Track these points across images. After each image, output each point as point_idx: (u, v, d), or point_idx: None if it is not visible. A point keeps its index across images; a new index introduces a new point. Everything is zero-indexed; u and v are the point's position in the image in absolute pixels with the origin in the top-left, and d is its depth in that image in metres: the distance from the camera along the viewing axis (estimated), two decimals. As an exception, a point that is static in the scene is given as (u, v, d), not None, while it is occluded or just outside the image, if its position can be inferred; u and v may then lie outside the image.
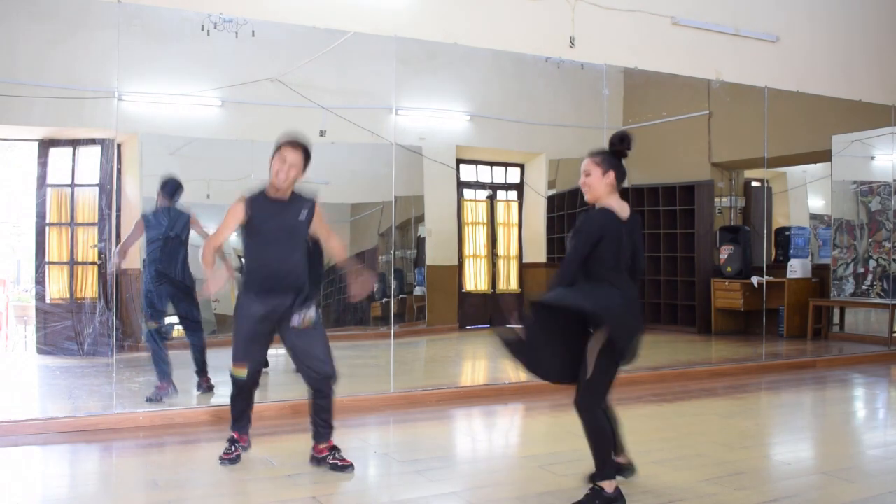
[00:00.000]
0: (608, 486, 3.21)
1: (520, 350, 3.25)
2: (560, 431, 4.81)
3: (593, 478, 3.26)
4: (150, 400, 4.99)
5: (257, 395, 5.23)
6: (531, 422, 5.33)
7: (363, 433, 4.03)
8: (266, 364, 4.79)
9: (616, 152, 3.34)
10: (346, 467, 3.69)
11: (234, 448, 3.80)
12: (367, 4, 6.61)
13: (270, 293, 3.61)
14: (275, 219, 3.61)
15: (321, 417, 3.72)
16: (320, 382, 3.67)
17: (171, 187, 5.32)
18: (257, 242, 3.63)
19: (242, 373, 3.67)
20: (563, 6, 7.41)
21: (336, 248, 3.95)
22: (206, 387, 5.41)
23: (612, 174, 3.30)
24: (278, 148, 3.61)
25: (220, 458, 3.75)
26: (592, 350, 3.19)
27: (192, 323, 5.36)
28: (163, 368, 5.13)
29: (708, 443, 4.30)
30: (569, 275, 3.19)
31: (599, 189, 3.29)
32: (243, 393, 3.76)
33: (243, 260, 3.83)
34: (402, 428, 4.83)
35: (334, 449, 3.75)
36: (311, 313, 3.68)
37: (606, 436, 3.24)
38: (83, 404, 4.93)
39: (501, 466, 4.15)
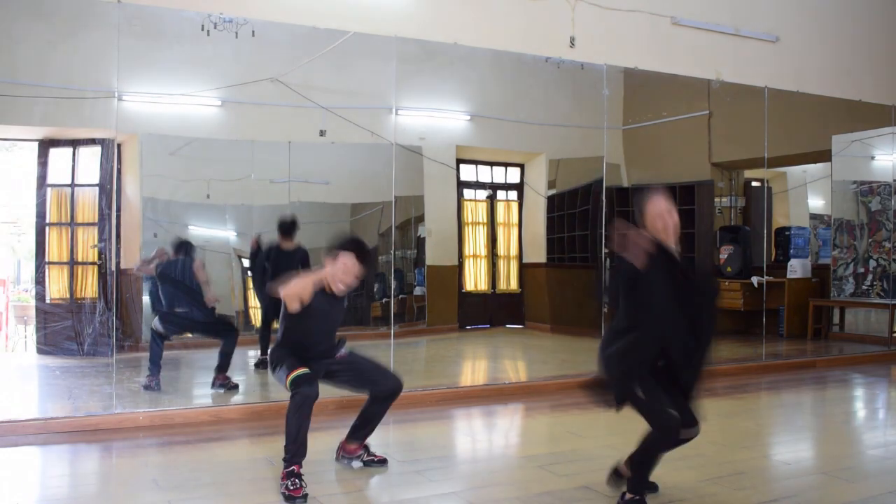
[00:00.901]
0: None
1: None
2: (560, 431, 4.81)
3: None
4: (146, 388, 5.24)
5: (256, 394, 5.25)
6: (531, 422, 5.33)
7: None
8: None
9: None
10: (384, 461, 3.84)
11: (300, 483, 3.37)
12: (367, 4, 6.61)
13: (305, 357, 3.60)
14: (326, 310, 3.59)
15: (374, 422, 3.79)
16: (393, 393, 3.74)
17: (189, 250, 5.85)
18: (304, 324, 3.56)
19: (304, 370, 3.46)
20: (563, 6, 7.41)
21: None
22: (219, 384, 5.50)
23: None
24: (350, 254, 3.51)
25: (292, 497, 3.32)
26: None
27: (225, 328, 5.73)
28: (155, 366, 5.35)
29: (708, 443, 4.30)
30: None
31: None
32: (308, 402, 3.41)
33: (281, 325, 3.68)
34: (402, 428, 4.83)
35: (366, 447, 3.86)
36: (343, 351, 3.73)
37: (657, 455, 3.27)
38: (83, 404, 4.93)
39: (501, 466, 4.15)
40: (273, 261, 6.09)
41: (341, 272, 3.50)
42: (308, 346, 3.60)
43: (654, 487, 3.47)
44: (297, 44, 6.29)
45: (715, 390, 6.00)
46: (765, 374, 6.75)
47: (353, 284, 3.56)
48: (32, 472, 3.88)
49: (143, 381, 5.34)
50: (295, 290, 3.41)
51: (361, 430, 3.80)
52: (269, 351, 3.71)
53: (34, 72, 5.80)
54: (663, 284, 3.15)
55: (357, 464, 3.81)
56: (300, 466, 3.41)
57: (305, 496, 3.32)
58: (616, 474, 3.45)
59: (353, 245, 3.54)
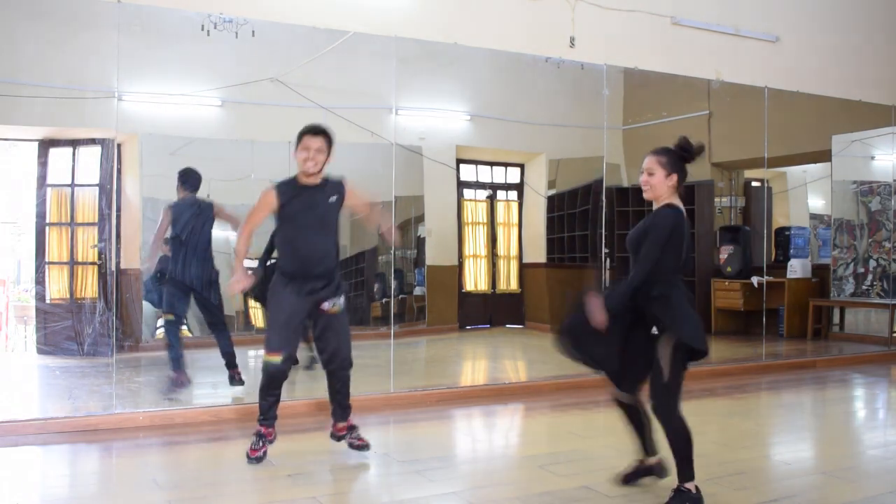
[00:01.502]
0: (692, 486, 3.20)
1: (572, 340, 3.36)
2: (560, 431, 4.81)
3: (679, 478, 3.22)
4: (167, 397, 5.11)
5: (257, 395, 5.22)
6: (531, 422, 5.33)
7: (363, 433, 4.03)
8: (295, 361, 4.81)
9: (682, 156, 3.30)
10: (363, 447, 3.92)
11: (261, 443, 3.80)
12: (367, 4, 6.61)
13: (303, 278, 3.70)
14: (306, 205, 3.69)
15: (339, 400, 3.91)
16: (337, 366, 3.83)
17: (194, 179, 5.53)
18: (289, 228, 3.72)
19: (276, 359, 3.69)
20: (563, 6, 7.41)
21: (374, 215, 4.19)
22: (238, 379, 5.49)
23: (675, 177, 3.27)
24: (300, 138, 3.72)
25: (248, 456, 3.79)
26: (664, 353, 3.14)
27: (217, 319, 5.58)
28: (179, 358, 5.25)
29: (708, 443, 4.30)
30: (643, 278, 3.14)
31: (661, 190, 3.27)
32: (275, 382, 3.74)
33: (276, 247, 3.90)
34: (402, 428, 4.84)
35: (353, 428, 3.97)
36: (340, 301, 3.80)
37: (690, 437, 3.20)
38: (83, 404, 4.93)
39: (501, 466, 4.15)
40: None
41: (302, 152, 3.70)
42: (305, 258, 3.68)
43: (660, 470, 3.50)
44: (297, 44, 6.28)
45: (715, 390, 6.00)
46: (765, 374, 6.74)
47: (320, 159, 3.72)
48: (32, 472, 3.88)
49: (167, 383, 5.19)
50: (251, 214, 3.74)
51: (338, 410, 3.96)
52: (274, 276, 3.82)
53: (34, 72, 5.80)
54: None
55: (344, 442, 3.99)
56: (266, 428, 3.79)
57: (259, 459, 3.74)
58: (642, 471, 3.49)
59: (304, 127, 3.76)
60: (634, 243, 3.23)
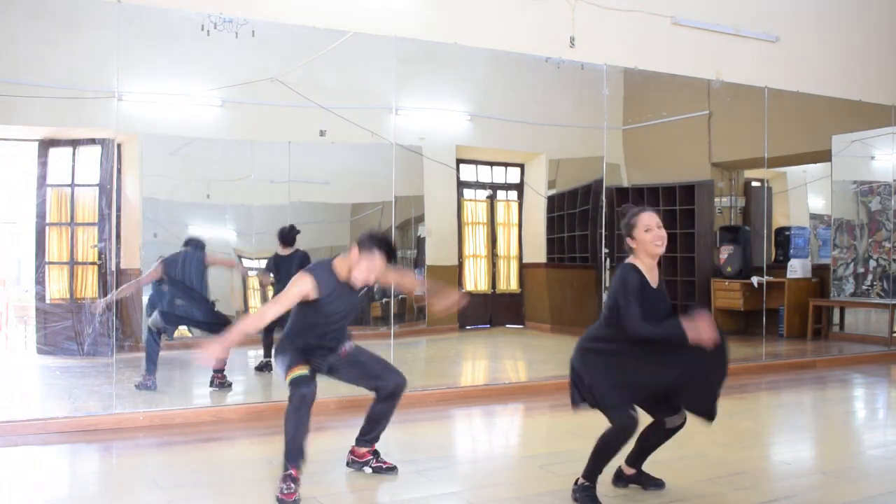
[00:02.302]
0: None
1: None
2: (560, 431, 4.81)
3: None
4: (141, 387, 5.26)
5: (256, 394, 5.25)
6: (531, 422, 5.33)
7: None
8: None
9: None
10: (394, 468, 3.76)
11: (294, 487, 3.31)
12: (367, 4, 6.61)
13: (316, 348, 3.60)
14: (342, 301, 3.53)
15: (380, 424, 3.74)
16: (396, 391, 3.70)
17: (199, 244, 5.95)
18: (316, 316, 3.52)
19: (304, 370, 3.43)
20: (563, 6, 7.41)
21: (409, 283, 4.18)
22: (217, 383, 5.52)
23: None
24: (371, 248, 3.45)
25: (282, 501, 3.29)
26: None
27: (221, 325, 5.62)
28: (152, 364, 5.37)
29: (708, 443, 4.30)
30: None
31: None
32: (306, 403, 3.35)
33: (291, 317, 3.63)
34: (402, 428, 4.83)
35: (377, 452, 3.80)
36: (347, 346, 3.70)
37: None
38: (83, 404, 4.93)
39: (501, 466, 4.15)
40: (278, 268, 6.19)
41: (366, 268, 3.45)
42: (318, 337, 3.58)
43: (660, 484, 3.49)
44: (297, 44, 6.28)
45: (715, 390, 6.00)
46: (765, 374, 6.74)
47: (372, 282, 3.54)
48: (32, 472, 3.88)
49: (137, 380, 5.33)
50: (268, 316, 3.45)
51: (369, 433, 3.76)
52: (280, 339, 3.67)
53: (34, 72, 5.80)
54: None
55: (368, 469, 3.77)
56: (297, 470, 3.33)
57: (296, 502, 3.27)
58: (619, 475, 3.50)
59: (384, 245, 3.49)
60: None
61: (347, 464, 3.80)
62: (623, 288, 3.16)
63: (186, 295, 5.66)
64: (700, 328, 3.00)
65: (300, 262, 6.10)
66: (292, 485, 3.30)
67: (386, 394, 3.70)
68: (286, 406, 3.39)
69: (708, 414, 3.26)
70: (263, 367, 6.16)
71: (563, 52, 7.23)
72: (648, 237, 3.24)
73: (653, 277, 3.27)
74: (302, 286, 3.41)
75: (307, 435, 3.37)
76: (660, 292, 3.27)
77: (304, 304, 3.46)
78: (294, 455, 3.35)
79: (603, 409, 3.21)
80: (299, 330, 3.57)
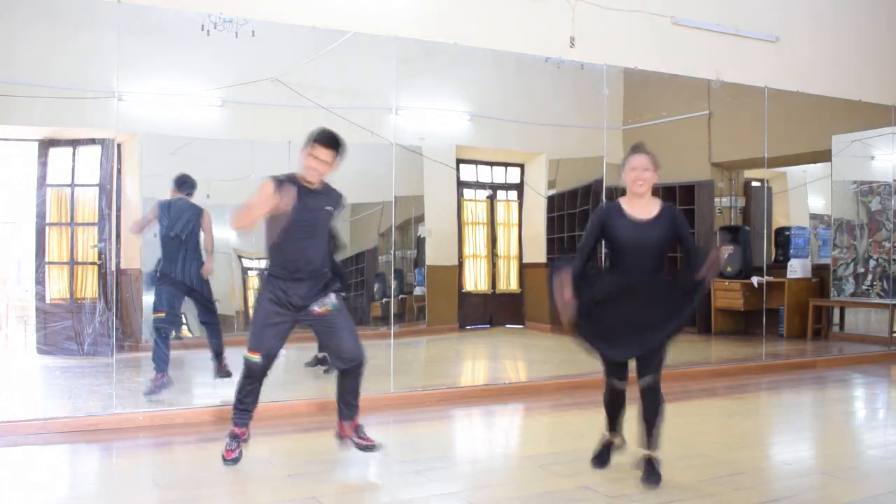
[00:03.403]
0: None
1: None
2: (560, 431, 4.82)
3: (656, 448, 3.53)
4: (148, 395, 5.08)
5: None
6: (531, 422, 5.33)
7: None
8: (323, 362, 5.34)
9: None
10: (370, 447, 3.85)
11: (236, 444, 3.76)
12: (367, 4, 6.60)
13: (289, 279, 3.67)
14: (301, 207, 3.62)
15: (347, 399, 3.85)
16: (348, 364, 3.76)
17: (188, 184, 5.58)
18: (287, 233, 3.66)
19: (256, 357, 3.67)
20: (563, 6, 7.41)
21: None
22: (223, 372, 5.49)
23: (657, 176, 3.63)
24: (312, 143, 3.64)
25: (223, 458, 3.74)
26: (671, 338, 3.49)
27: (211, 312, 5.63)
28: (163, 362, 5.24)
29: (708, 443, 4.30)
30: None
31: (650, 186, 3.58)
32: (252, 378, 3.71)
33: (267, 247, 3.80)
34: (402, 428, 4.83)
35: (359, 427, 3.89)
36: (329, 299, 3.74)
37: None
38: (83, 404, 4.93)
39: (501, 466, 4.15)
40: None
41: (312, 160, 3.63)
42: (291, 261, 3.66)
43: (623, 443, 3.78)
44: (297, 44, 6.28)
45: (715, 390, 6.01)
46: (765, 374, 6.74)
47: (323, 171, 3.67)
48: (32, 472, 3.88)
49: (148, 385, 5.19)
50: (239, 222, 3.65)
51: (343, 408, 3.88)
52: (264, 278, 3.79)
53: (34, 72, 5.80)
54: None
55: (350, 443, 3.91)
56: (239, 428, 3.73)
57: (235, 460, 3.70)
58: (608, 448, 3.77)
59: (323, 135, 3.65)
60: (663, 240, 3.52)
61: (336, 437, 3.96)
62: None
63: (185, 266, 5.47)
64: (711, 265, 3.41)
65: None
66: (233, 441, 3.76)
67: (343, 370, 3.80)
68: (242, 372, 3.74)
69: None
70: (320, 362, 6.07)
71: (563, 52, 7.22)
72: (630, 177, 3.57)
73: (643, 211, 3.55)
74: (265, 186, 3.59)
75: (254, 398, 3.80)
76: (647, 225, 3.50)
77: (271, 221, 3.63)
78: (236, 412, 3.79)
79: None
80: (275, 252, 3.71)
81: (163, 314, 5.36)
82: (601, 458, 3.78)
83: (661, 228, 3.50)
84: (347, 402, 3.86)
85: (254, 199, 3.60)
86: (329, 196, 3.78)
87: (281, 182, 3.61)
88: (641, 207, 3.56)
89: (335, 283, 3.81)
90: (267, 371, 3.75)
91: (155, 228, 5.55)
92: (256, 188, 3.63)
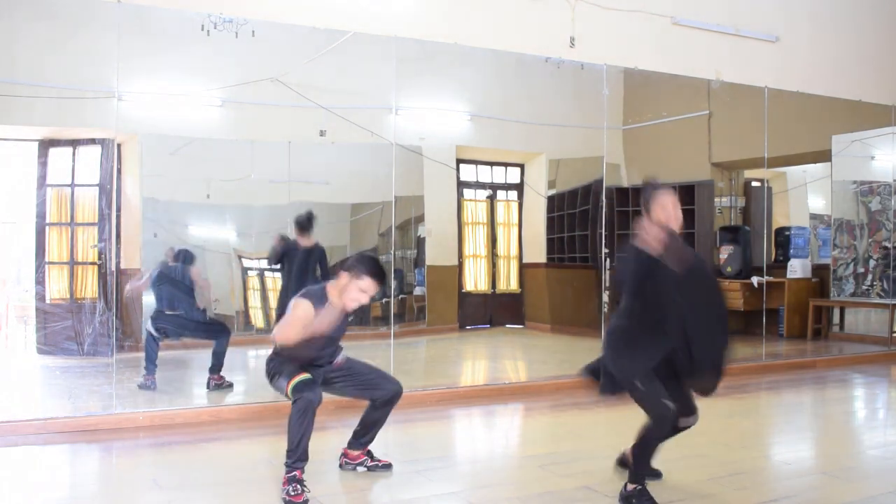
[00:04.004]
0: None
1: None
2: (560, 431, 4.82)
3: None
4: (143, 387, 5.27)
5: (256, 394, 5.24)
6: (531, 422, 5.33)
7: (363, 433, 4.05)
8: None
9: None
10: (389, 465, 3.80)
11: (302, 489, 3.35)
12: (367, 4, 6.61)
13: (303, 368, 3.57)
14: (335, 325, 3.52)
15: (373, 430, 3.76)
16: (392, 399, 3.71)
17: (188, 258, 5.99)
18: (308, 342, 3.47)
19: (305, 375, 3.43)
20: (563, 6, 7.41)
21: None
22: (214, 384, 5.54)
23: None
24: (361, 276, 3.44)
25: (286, 500, 3.32)
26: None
27: (217, 329, 5.81)
28: (151, 364, 5.38)
29: (708, 443, 4.30)
30: None
31: None
32: (312, 407, 3.37)
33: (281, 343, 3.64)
34: (402, 428, 4.83)
35: (369, 453, 3.82)
36: (340, 357, 3.70)
37: None
38: (83, 404, 4.93)
39: (501, 466, 4.15)
40: (290, 259, 6.04)
41: (357, 292, 3.45)
42: (309, 359, 3.57)
43: (657, 474, 3.53)
44: (297, 44, 6.28)
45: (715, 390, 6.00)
46: (765, 374, 6.75)
47: (365, 303, 3.52)
48: (32, 472, 3.88)
49: (139, 380, 5.34)
50: (288, 339, 3.38)
51: (363, 436, 3.78)
52: (267, 359, 3.63)
53: (34, 72, 5.80)
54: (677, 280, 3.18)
55: (362, 469, 3.79)
56: (302, 472, 3.37)
57: (306, 502, 3.30)
58: (622, 462, 3.53)
59: (375, 269, 3.48)
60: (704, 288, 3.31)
61: (340, 466, 3.81)
62: (623, 269, 3.37)
63: (181, 299, 5.75)
64: (672, 253, 3.12)
65: (318, 257, 6.02)
66: (299, 486, 3.33)
67: (383, 402, 3.71)
68: (291, 411, 3.39)
69: (713, 372, 3.35)
70: None
71: (563, 52, 7.23)
72: (664, 218, 3.25)
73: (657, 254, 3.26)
74: (306, 311, 3.40)
75: (310, 438, 3.40)
76: (670, 271, 3.19)
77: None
78: (300, 458, 3.37)
79: (637, 402, 3.25)
80: (289, 353, 3.52)
81: (157, 334, 5.55)
82: (625, 461, 3.53)
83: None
84: (369, 434, 3.76)
85: (296, 321, 3.39)
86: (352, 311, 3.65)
87: (318, 302, 3.44)
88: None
89: (340, 349, 3.74)
90: (321, 394, 3.50)
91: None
92: (296, 309, 3.42)
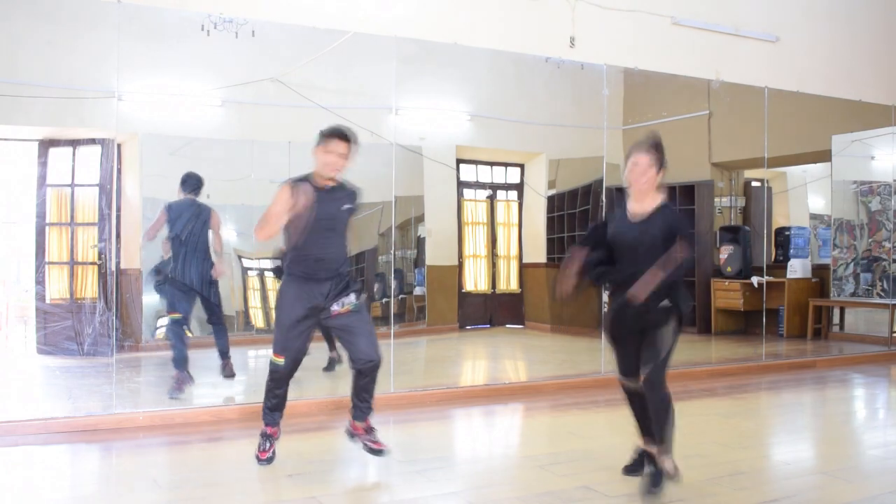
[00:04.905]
0: (671, 464, 3.38)
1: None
2: (560, 431, 4.82)
3: (661, 453, 3.39)
4: (173, 397, 5.08)
5: (257, 394, 5.23)
6: (531, 422, 5.33)
7: (364, 433, 4.05)
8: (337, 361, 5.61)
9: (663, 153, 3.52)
10: (378, 451, 3.81)
11: (268, 444, 3.79)
12: (367, 4, 6.61)
13: (311, 280, 3.66)
14: (319, 207, 3.61)
15: (361, 397, 3.82)
16: (364, 365, 3.73)
17: (190, 183, 5.50)
18: (305, 233, 3.63)
19: (280, 361, 3.69)
20: (563, 6, 7.41)
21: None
22: (229, 371, 5.55)
23: (662, 173, 3.48)
24: (326, 139, 3.64)
25: (258, 458, 3.77)
26: (669, 329, 3.39)
27: (217, 313, 5.64)
28: (182, 360, 5.22)
29: (708, 443, 4.30)
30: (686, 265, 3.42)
31: (653, 184, 3.45)
32: (279, 381, 3.73)
33: (284, 248, 3.80)
34: (402, 428, 4.83)
35: (370, 430, 3.85)
36: (349, 299, 3.73)
37: (673, 408, 3.43)
38: (83, 404, 4.93)
39: (501, 466, 4.15)
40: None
41: (327, 155, 3.63)
42: (313, 261, 3.65)
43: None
44: (297, 44, 6.29)
45: (715, 390, 6.00)
46: (765, 374, 6.74)
47: (341, 166, 3.68)
48: (32, 472, 3.88)
49: (170, 391, 5.12)
50: (265, 233, 3.62)
51: (356, 407, 3.85)
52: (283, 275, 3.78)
53: (34, 72, 5.80)
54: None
55: (359, 445, 3.87)
56: (271, 428, 3.76)
57: (270, 459, 3.73)
58: (635, 466, 3.60)
59: (333, 129, 3.66)
60: (657, 239, 3.38)
61: (346, 433, 3.92)
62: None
63: (194, 265, 5.41)
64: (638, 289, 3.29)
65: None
66: (266, 441, 3.79)
67: (357, 369, 3.76)
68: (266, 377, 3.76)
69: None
70: (331, 365, 6.08)
71: (563, 52, 7.23)
72: (630, 176, 3.48)
73: (641, 209, 3.46)
74: (281, 193, 3.60)
75: (282, 401, 3.82)
76: (640, 223, 3.42)
77: (289, 223, 3.61)
78: (268, 415, 3.81)
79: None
80: (294, 254, 3.69)
81: (179, 315, 5.36)
82: (632, 467, 3.61)
83: (654, 227, 3.39)
84: (360, 402, 3.83)
85: (273, 205, 3.59)
86: (346, 193, 3.78)
87: (296, 183, 3.60)
88: (641, 205, 3.48)
89: (355, 283, 3.79)
90: (293, 373, 3.76)
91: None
92: (274, 194, 3.61)
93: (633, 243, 3.42)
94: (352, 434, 3.89)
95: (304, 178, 3.66)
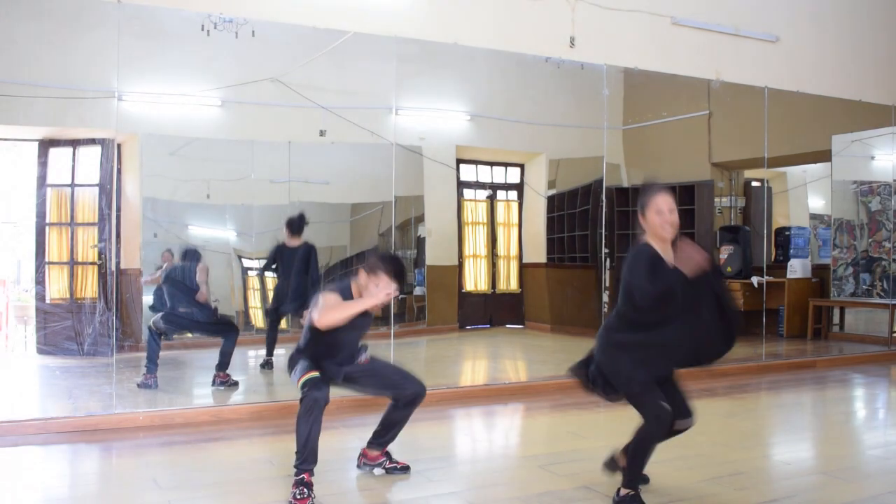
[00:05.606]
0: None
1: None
2: (560, 431, 4.82)
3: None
4: (142, 386, 5.30)
5: (257, 394, 5.25)
6: (531, 422, 5.33)
7: (363, 433, 4.03)
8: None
9: None
10: (407, 467, 3.77)
11: (308, 493, 3.29)
12: (367, 4, 6.61)
13: (328, 362, 3.55)
14: (355, 323, 3.50)
15: (396, 429, 3.73)
16: (414, 399, 3.68)
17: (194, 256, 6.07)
18: (331, 336, 3.47)
19: (316, 373, 3.41)
20: (563, 6, 7.41)
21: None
22: (219, 382, 5.57)
23: None
24: (393, 277, 3.45)
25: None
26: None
27: (225, 327, 5.86)
28: (153, 363, 5.40)
29: (708, 443, 4.30)
30: None
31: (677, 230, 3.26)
32: (318, 406, 3.31)
33: (306, 332, 3.61)
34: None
35: (388, 454, 3.80)
36: (364, 356, 3.66)
37: None
38: (83, 404, 4.93)
39: (501, 466, 4.15)
40: (281, 260, 6.19)
41: (375, 287, 3.44)
42: (332, 356, 3.55)
43: (645, 479, 3.49)
44: (297, 44, 6.28)
45: (715, 390, 6.00)
46: (765, 374, 6.75)
47: (385, 302, 3.49)
48: (32, 472, 3.88)
49: (139, 379, 5.35)
50: (331, 320, 3.34)
51: (383, 436, 3.74)
52: (290, 354, 3.62)
53: (34, 72, 5.80)
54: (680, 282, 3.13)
55: (379, 471, 3.75)
56: (310, 475, 3.32)
57: None
58: (612, 462, 3.50)
59: (395, 267, 3.48)
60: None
61: (358, 466, 3.78)
62: (631, 266, 3.18)
63: (189, 298, 5.74)
64: (689, 257, 3.07)
65: (304, 255, 6.10)
66: (305, 490, 3.28)
67: (405, 402, 3.69)
68: (298, 409, 3.36)
69: (726, 344, 3.35)
70: (265, 365, 6.18)
71: (563, 52, 7.23)
72: (658, 221, 3.20)
73: (668, 257, 3.22)
74: (330, 297, 3.42)
75: (318, 439, 3.35)
76: (677, 271, 3.15)
77: (318, 329, 3.42)
78: (307, 459, 3.33)
79: (633, 405, 3.24)
80: (313, 349, 3.52)
81: (158, 331, 5.56)
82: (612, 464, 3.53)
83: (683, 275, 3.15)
84: (394, 431, 3.73)
85: (330, 304, 3.38)
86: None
87: (344, 297, 3.46)
88: (666, 252, 3.22)
89: (365, 348, 3.70)
90: (327, 397, 3.42)
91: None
92: (325, 299, 3.42)
93: (678, 291, 3.16)
94: (371, 464, 3.76)
95: (348, 290, 3.51)
